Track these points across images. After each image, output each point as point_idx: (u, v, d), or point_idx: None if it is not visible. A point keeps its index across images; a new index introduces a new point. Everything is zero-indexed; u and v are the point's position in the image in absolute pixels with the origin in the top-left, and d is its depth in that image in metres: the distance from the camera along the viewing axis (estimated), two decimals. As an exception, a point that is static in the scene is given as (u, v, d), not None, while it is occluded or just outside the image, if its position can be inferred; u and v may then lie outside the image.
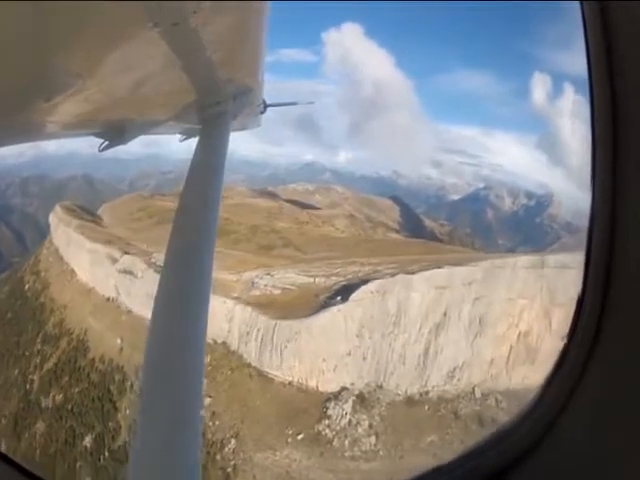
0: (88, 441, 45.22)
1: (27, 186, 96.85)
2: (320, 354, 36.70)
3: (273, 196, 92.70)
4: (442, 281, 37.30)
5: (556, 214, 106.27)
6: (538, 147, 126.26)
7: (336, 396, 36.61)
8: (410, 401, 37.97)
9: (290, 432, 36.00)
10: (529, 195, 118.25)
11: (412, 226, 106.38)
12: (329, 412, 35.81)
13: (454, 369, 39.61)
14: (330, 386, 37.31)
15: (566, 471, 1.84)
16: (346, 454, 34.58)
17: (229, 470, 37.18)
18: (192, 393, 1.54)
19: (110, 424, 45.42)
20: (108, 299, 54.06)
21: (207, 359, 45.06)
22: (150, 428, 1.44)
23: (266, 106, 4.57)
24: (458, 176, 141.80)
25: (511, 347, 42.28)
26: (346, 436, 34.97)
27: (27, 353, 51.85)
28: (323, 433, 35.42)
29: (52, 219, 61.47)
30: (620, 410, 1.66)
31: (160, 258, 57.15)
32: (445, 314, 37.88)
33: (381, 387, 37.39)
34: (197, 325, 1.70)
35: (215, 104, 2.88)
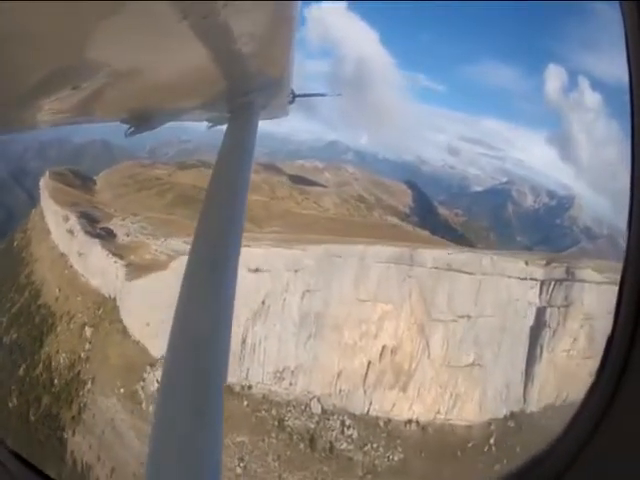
0: (21, 371, 54.57)
1: (45, 150, 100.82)
2: (144, 319, 38.18)
3: (276, 170, 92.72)
4: (258, 263, 34.81)
5: (576, 216, 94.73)
6: (561, 146, 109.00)
7: (154, 363, 38.06)
8: (228, 390, 36.20)
9: (118, 384, 38.97)
10: (551, 194, 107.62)
11: (424, 213, 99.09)
12: (144, 375, 37.65)
13: (283, 369, 36.18)
14: (156, 351, 38.68)
15: None
16: (149, 419, 36.25)
17: (82, 405, 42.21)
18: (214, 382, 1.51)
19: (35, 357, 54.03)
20: (62, 254, 62.57)
21: (99, 311, 50.25)
22: (169, 416, 1.45)
23: (294, 96, 4.42)
24: (481, 168, 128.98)
25: (370, 363, 36.52)
26: (152, 403, 36.51)
27: (3, 300, 62.89)
28: (138, 393, 37.59)
29: (42, 182, 71.78)
30: None
31: (122, 224, 63.72)
32: (264, 302, 35.35)
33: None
34: (222, 314, 1.65)
35: (244, 94, 2.87)
